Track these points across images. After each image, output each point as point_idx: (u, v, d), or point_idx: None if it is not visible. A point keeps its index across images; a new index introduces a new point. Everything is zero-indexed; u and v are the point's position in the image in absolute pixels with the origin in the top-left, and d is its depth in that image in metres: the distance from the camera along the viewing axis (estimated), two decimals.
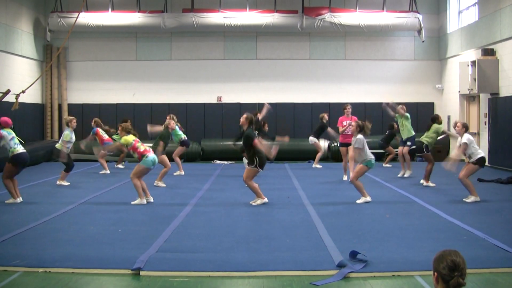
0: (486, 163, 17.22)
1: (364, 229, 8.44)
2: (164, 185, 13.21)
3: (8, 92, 12.39)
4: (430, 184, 13.08)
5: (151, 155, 10.86)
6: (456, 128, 11.15)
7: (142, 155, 10.77)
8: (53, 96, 21.77)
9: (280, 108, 21.73)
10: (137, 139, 11.04)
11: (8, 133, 10.76)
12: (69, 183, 13.47)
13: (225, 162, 19.70)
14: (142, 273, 6.27)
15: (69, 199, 11.19)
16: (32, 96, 20.40)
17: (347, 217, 9.41)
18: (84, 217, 9.47)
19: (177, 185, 13.36)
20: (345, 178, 14.21)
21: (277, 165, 18.16)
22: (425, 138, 13.41)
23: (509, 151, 16.13)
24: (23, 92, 12.45)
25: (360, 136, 10.85)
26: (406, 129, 15.19)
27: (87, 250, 7.13)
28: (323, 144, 18.43)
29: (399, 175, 14.96)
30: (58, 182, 13.49)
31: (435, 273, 3.30)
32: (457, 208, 10.15)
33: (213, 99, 22.09)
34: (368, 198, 10.82)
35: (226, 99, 22.04)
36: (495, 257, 6.76)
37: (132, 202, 10.73)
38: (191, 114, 21.64)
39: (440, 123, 13.66)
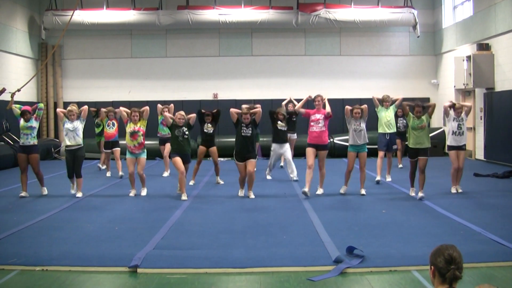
0: (482, 158, 17.34)
1: (361, 224, 8.46)
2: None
3: (3, 90, 12.36)
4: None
5: None
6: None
7: (143, 145, 11.58)
8: (49, 94, 21.72)
9: (275, 104, 21.66)
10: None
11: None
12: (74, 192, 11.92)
13: (221, 159, 19.65)
14: (139, 270, 6.27)
15: (66, 197, 11.18)
16: (28, 94, 20.33)
17: (343, 213, 9.42)
18: (80, 215, 9.45)
19: (173, 182, 13.33)
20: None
21: None
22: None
23: (505, 145, 16.15)
24: (19, 90, 12.42)
25: None
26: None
27: (84, 248, 7.13)
28: None
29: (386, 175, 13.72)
30: (72, 191, 11.95)
31: (432, 267, 3.31)
32: (453, 203, 10.18)
33: (208, 96, 22.05)
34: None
35: (222, 96, 22.00)
36: (492, 251, 6.79)
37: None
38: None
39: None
